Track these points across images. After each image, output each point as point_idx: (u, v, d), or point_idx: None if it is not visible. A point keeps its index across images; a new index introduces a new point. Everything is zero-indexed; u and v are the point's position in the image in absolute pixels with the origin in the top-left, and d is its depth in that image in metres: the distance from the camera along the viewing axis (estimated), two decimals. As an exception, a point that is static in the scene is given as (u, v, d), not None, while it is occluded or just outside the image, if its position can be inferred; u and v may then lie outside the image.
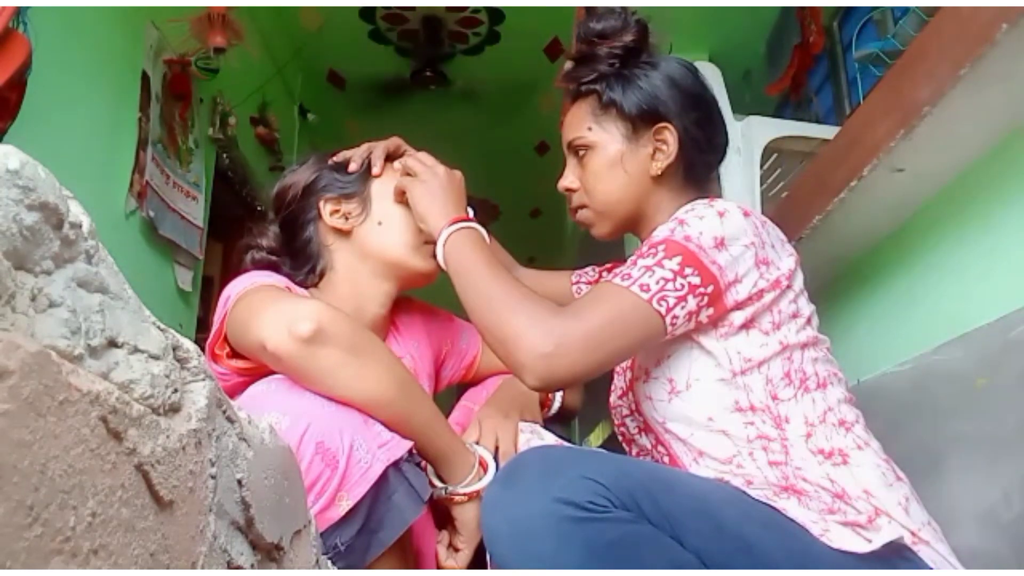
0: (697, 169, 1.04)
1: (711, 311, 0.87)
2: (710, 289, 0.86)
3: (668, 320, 0.84)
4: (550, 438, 1.00)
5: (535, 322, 0.83)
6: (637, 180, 1.02)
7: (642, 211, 1.03)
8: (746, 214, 0.91)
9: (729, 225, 0.88)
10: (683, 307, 0.84)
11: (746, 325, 0.89)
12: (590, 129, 1.03)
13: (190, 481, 0.43)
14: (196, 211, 2.35)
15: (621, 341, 0.84)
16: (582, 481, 0.69)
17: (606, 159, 1.02)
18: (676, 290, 0.84)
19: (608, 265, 1.25)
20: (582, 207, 1.07)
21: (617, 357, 0.86)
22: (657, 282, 0.84)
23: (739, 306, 0.88)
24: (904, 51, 1.06)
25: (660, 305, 0.83)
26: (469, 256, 0.95)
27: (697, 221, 0.89)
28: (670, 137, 1.00)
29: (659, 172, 1.01)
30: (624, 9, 1.05)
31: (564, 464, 0.72)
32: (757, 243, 0.89)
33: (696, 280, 0.85)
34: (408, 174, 1.07)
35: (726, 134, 1.09)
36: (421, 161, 1.07)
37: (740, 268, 0.88)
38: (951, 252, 1.17)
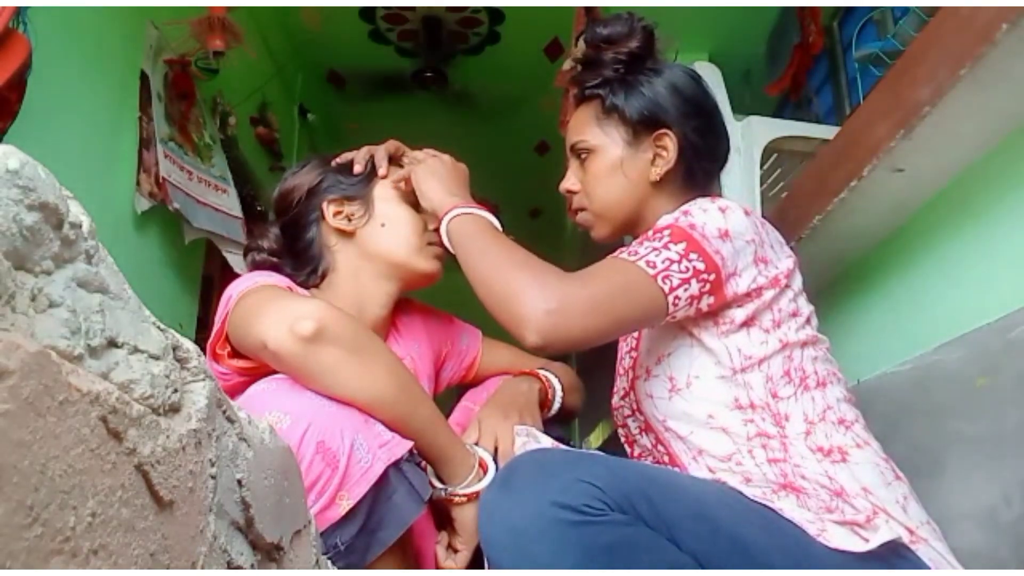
0: (697, 176, 1.04)
1: (711, 300, 0.88)
2: (712, 277, 0.86)
3: (671, 300, 0.84)
4: (546, 440, 1.00)
5: (541, 280, 0.83)
6: (636, 185, 1.02)
7: (640, 215, 1.04)
8: (747, 213, 0.92)
9: (732, 220, 0.90)
10: (686, 289, 0.85)
11: (747, 323, 0.90)
12: (592, 133, 1.04)
13: (190, 481, 0.43)
14: (230, 203, 2.31)
15: (624, 310, 0.84)
16: (578, 484, 0.69)
17: (606, 163, 1.03)
18: (681, 272, 0.85)
19: None
20: (582, 209, 1.08)
21: (618, 326, 0.86)
22: (663, 262, 0.85)
23: (738, 301, 0.89)
24: (904, 51, 1.06)
25: (664, 283, 0.84)
26: (475, 227, 0.95)
27: (701, 213, 0.90)
28: (670, 143, 1.01)
29: (658, 178, 1.02)
30: (631, 15, 1.05)
31: (559, 467, 0.72)
32: (757, 241, 0.91)
33: (700, 265, 0.86)
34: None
35: (728, 142, 1.09)
36: (424, 151, 1.10)
37: (740, 262, 0.88)
38: (951, 252, 1.17)
